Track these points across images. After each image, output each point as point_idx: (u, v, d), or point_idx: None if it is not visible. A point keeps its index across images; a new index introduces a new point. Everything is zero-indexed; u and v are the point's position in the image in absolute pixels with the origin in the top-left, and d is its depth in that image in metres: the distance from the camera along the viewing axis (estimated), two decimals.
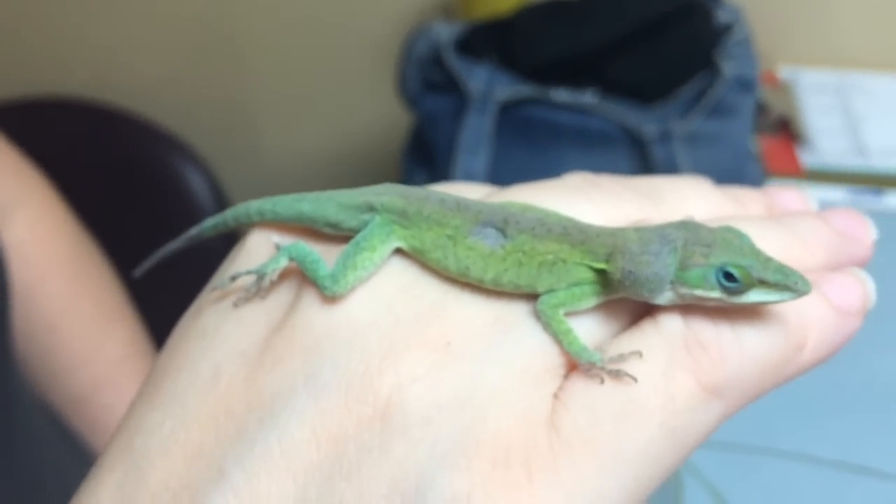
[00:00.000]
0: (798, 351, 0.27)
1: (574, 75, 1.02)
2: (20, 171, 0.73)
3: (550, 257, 0.28)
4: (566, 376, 0.26)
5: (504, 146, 1.02)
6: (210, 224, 0.33)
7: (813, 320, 0.28)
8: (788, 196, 0.34)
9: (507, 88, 1.01)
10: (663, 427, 0.25)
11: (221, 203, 1.34)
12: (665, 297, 0.27)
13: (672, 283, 0.27)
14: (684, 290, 0.27)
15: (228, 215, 0.32)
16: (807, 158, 1.14)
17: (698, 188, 0.33)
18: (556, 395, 0.26)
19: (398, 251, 0.29)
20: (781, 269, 0.27)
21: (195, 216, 1.35)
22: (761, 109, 1.19)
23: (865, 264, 0.32)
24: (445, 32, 1.07)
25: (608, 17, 1.04)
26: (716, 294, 0.26)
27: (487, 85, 1.01)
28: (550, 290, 0.28)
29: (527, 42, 1.03)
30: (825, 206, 0.33)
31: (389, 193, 0.30)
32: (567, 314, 0.27)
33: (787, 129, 1.19)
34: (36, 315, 0.70)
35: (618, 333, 0.28)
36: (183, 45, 1.49)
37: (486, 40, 1.05)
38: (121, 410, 0.76)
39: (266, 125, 1.54)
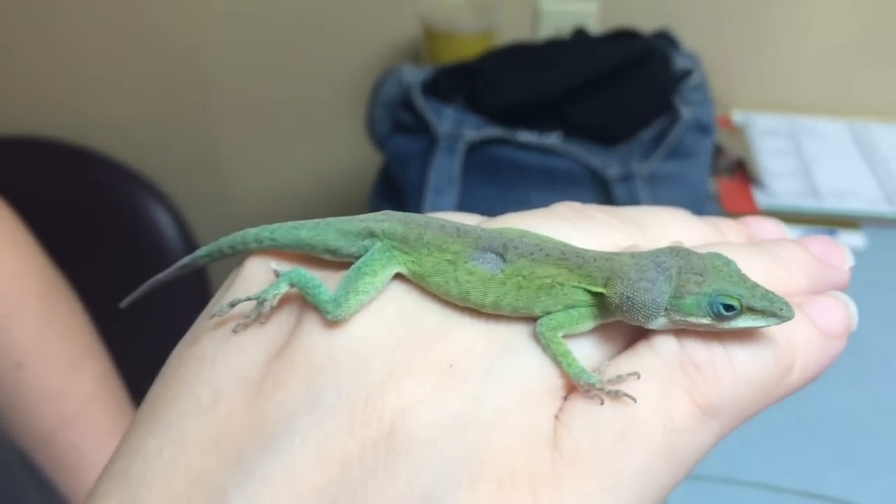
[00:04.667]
0: (787, 372, 0.28)
1: (538, 117, 1.05)
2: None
3: (549, 281, 0.29)
4: (566, 398, 0.27)
5: (472, 185, 1.04)
6: (204, 252, 0.33)
7: (800, 342, 0.29)
8: (764, 225, 0.36)
9: (475, 130, 1.04)
10: (663, 447, 0.25)
11: (189, 241, 1.35)
12: (658, 323, 0.28)
13: (666, 309, 0.28)
14: (677, 317, 0.28)
15: (224, 243, 0.32)
16: (762, 199, 1.18)
17: (679, 216, 0.34)
18: (557, 417, 0.26)
19: (398, 276, 0.30)
20: (767, 295, 0.28)
21: (163, 254, 1.35)
22: (718, 152, 1.23)
23: (844, 289, 0.33)
24: (413, 75, 1.10)
25: (570, 63, 1.08)
26: (707, 320, 0.28)
27: (455, 126, 1.04)
28: (548, 313, 0.29)
29: (492, 85, 1.07)
30: None
31: (390, 220, 0.31)
32: (565, 337, 0.28)
33: (742, 171, 1.24)
34: (3, 351, 0.70)
35: (614, 356, 0.29)
36: (153, 86, 1.50)
37: (453, 83, 1.08)
38: (88, 448, 0.75)
39: (234, 165, 1.55)
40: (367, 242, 0.30)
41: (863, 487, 0.75)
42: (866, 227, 1.13)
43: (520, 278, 0.29)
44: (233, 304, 0.29)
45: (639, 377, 0.27)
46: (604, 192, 1.06)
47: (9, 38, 1.47)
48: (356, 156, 1.33)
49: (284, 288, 0.29)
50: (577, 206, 0.34)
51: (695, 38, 1.20)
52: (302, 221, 0.31)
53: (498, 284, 0.29)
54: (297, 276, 0.29)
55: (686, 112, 1.05)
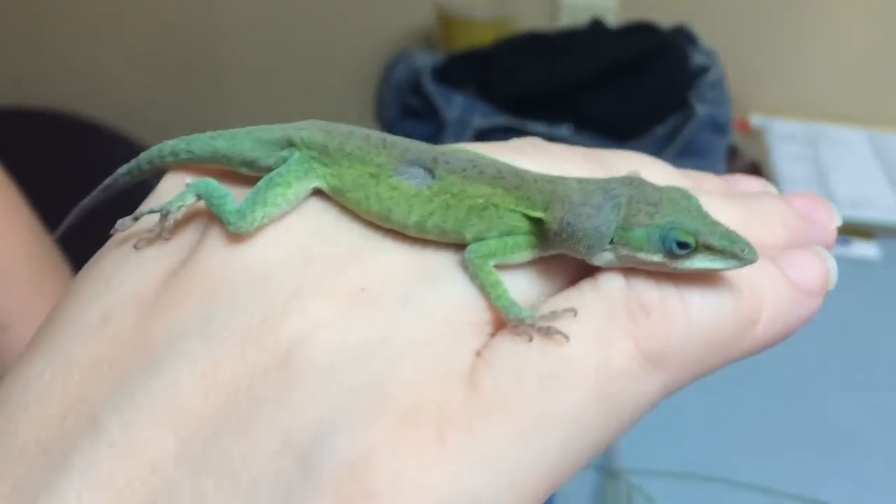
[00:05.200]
0: (750, 325, 0.26)
1: (549, 108, 1.04)
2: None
3: (481, 201, 0.26)
4: (493, 335, 0.24)
5: None
6: (123, 170, 0.30)
7: (767, 293, 0.26)
8: (749, 182, 0.33)
9: (484, 118, 1.02)
10: (596, 391, 0.23)
11: None
12: (604, 258, 0.25)
13: (613, 242, 0.25)
14: (625, 252, 0.25)
15: (142, 158, 0.29)
16: None
17: (652, 161, 0.31)
18: (478, 353, 0.23)
19: (320, 193, 0.27)
20: (728, 234, 0.25)
21: None
22: (733, 154, 1.21)
23: (829, 249, 0.30)
24: (424, 60, 1.08)
25: (585, 54, 1.06)
26: (658, 258, 0.25)
27: (464, 113, 1.02)
28: (480, 239, 0.26)
29: (504, 74, 1.05)
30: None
31: (311, 128, 0.28)
32: (498, 267, 0.25)
33: (757, 175, 1.21)
34: None
35: (553, 294, 0.26)
36: (167, 65, 1.49)
37: (465, 70, 1.06)
38: None
39: None
40: (285, 153, 0.27)
41: (864, 499, 0.73)
42: (881, 238, 1.10)
43: (448, 196, 0.26)
44: (136, 218, 0.26)
45: (575, 314, 0.24)
46: None
47: (32, 13, 1.47)
48: None
49: (190, 199, 0.26)
50: (538, 140, 0.31)
51: (715, 37, 1.17)
52: (221, 131, 0.29)
53: (423, 202, 0.26)
54: (204, 187, 0.26)
55: (701, 109, 1.03)
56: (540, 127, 1.04)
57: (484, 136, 1.02)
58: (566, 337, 0.23)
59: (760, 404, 0.82)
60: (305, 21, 1.40)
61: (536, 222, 0.26)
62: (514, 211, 0.26)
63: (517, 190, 0.26)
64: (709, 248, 0.25)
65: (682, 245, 0.25)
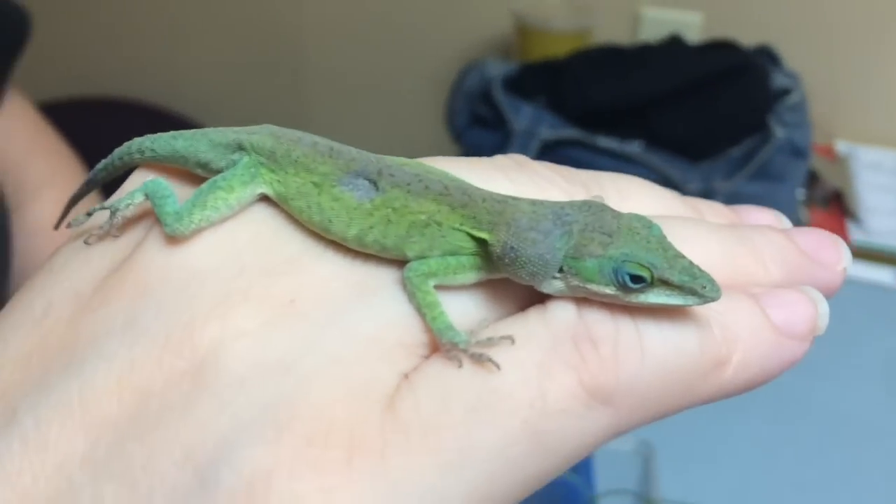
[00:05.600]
0: (717, 367, 0.24)
1: (621, 123, 1.02)
2: (55, 153, 0.74)
3: (423, 217, 0.25)
4: (427, 357, 0.23)
5: None
6: (101, 166, 0.30)
7: (742, 335, 0.24)
8: (758, 213, 0.30)
9: (552, 129, 1.01)
10: (527, 427, 0.21)
11: None
12: (553, 286, 0.24)
13: (563, 271, 0.24)
14: (575, 282, 0.23)
15: (115, 155, 0.29)
16: (856, 235, 1.11)
17: (644, 186, 0.29)
18: (406, 376, 0.22)
19: (267, 199, 0.26)
20: (689, 269, 0.23)
21: None
22: (814, 180, 1.16)
23: (832, 292, 0.28)
24: (497, 69, 1.08)
25: (661, 70, 1.03)
26: (610, 290, 0.23)
27: (532, 123, 1.01)
28: (422, 257, 0.25)
29: (577, 86, 1.03)
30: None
31: (262, 133, 0.27)
32: (439, 287, 0.24)
33: (838, 204, 1.16)
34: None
35: (500, 319, 0.24)
36: (249, 61, 1.53)
37: (537, 81, 1.05)
38: None
39: None
40: (236, 157, 0.27)
41: None
42: None
43: (390, 211, 0.25)
44: (89, 214, 0.26)
45: (513, 342, 0.22)
46: None
47: (128, 9, 1.52)
48: (436, 145, 1.31)
49: (139, 198, 0.26)
50: (521, 158, 0.29)
51: (801, 60, 1.13)
52: (184, 131, 0.28)
53: (364, 216, 0.25)
54: (152, 186, 0.26)
55: (780, 132, 1.00)
56: (610, 142, 1.02)
57: (550, 147, 1.00)
58: (497, 366, 0.22)
59: (808, 440, 0.78)
60: (386, 26, 1.42)
61: (482, 243, 0.25)
62: (459, 230, 0.25)
63: (463, 208, 0.25)
64: (666, 283, 0.23)
65: (636, 279, 0.23)
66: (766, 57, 1.08)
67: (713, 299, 0.23)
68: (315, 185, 0.25)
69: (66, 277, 0.24)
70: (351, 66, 1.47)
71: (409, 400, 0.21)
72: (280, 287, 0.23)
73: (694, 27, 1.26)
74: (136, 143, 0.29)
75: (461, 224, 0.25)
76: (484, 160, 0.28)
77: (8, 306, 0.24)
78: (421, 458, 0.20)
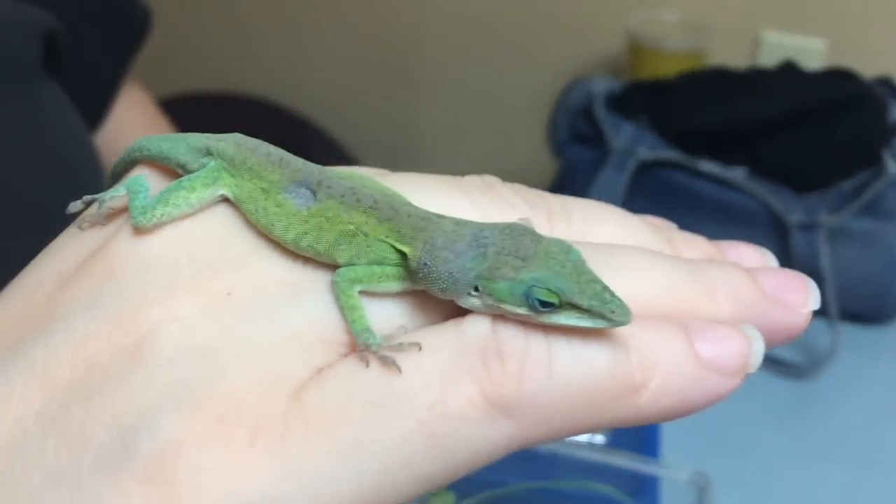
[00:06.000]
0: (631, 391, 0.24)
1: (723, 148, 0.99)
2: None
3: (352, 227, 0.27)
4: (346, 356, 0.25)
5: (637, 206, 0.99)
6: (117, 161, 0.33)
7: (662, 363, 0.24)
8: (742, 250, 0.31)
9: (651, 150, 0.99)
10: (423, 428, 0.23)
11: None
12: (470, 303, 0.25)
13: (478, 290, 0.25)
14: (490, 301, 0.25)
15: (125, 152, 0.32)
16: None
17: (615, 215, 0.30)
18: (320, 370, 0.24)
19: (230, 201, 0.28)
20: (600, 295, 0.24)
21: None
22: None
23: (793, 334, 0.28)
24: (601, 86, 1.07)
25: (773, 95, 1.00)
26: (522, 311, 0.24)
27: (631, 142, 1.00)
28: (350, 264, 0.26)
29: (682, 107, 1.02)
30: None
31: (227, 140, 0.30)
32: (366, 293, 0.26)
33: None
34: None
35: (421, 327, 0.26)
36: (368, 64, 1.57)
37: (641, 100, 1.04)
38: None
39: (428, 150, 1.60)
40: (205, 160, 0.29)
41: None
42: None
43: (323, 219, 0.27)
44: (85, 203, 0.29)
45: (420, 349, 0.24)
46: (781, 238, 0.98)
47: (251, 8, 1.60)
48: (537, 159, 1.31)
49: (121, 191, 0.29)
50: (491, 180, 0.30)
51: None
52: (175, 134, 0.31)
53: (300, 222, 0.27)
54: (132, 181, 0.29)
55: (894, 168, 0.95)
56: (712, 166, 1.00)
57: (648, 168, 0.99)
58: (399, 369, 0.23)
59: (872, 484, 0.74)
60: (500, 38, 1.43)
61: (405, 255, 0.26)
62: (384, 241, 0.27)
63: (389, 221, 0.27)
64: (575, 307, 0.24)
65: (544, 303, 0.24)
66: (885, 89, 1.03)
67: (622, 323, 0.24)
68: (263, 190, 0.28)
69: (56, 258, 0.27)
70: (462, 77, 1.50)
71: (316, 391, 0.23)
72: (221, 281, 0.25)
73: (816, 54, 1.21)
74: (138, 142, 0.32)
75: (386, 236, 0.27)
76: (450, 179, 0.30)
77: (12, 281, 0.28)
78: (318, 445, 0.22)
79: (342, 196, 0.27)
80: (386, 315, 0.26)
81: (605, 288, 0.25)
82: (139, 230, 0.27)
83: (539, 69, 1.40)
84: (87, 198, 0.29)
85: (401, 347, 0.24)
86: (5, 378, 0.24)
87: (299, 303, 0.25)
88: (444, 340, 0.24)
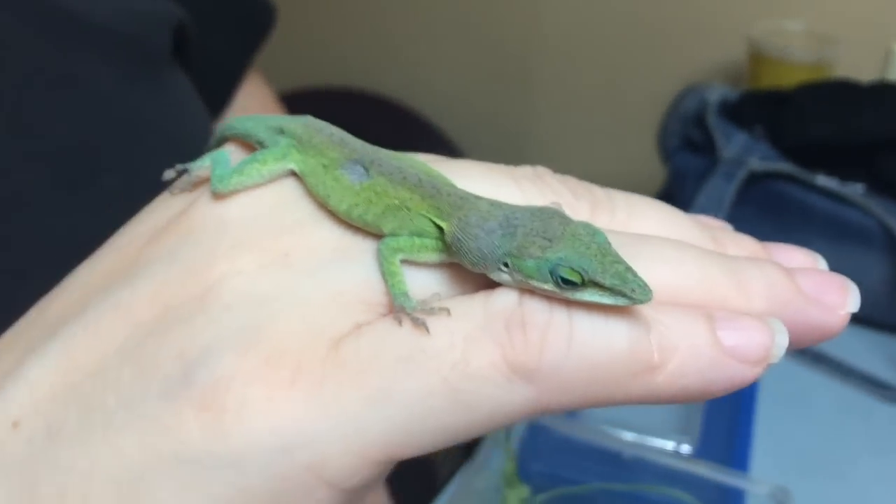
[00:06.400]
0: (648, 370, 0.26)
1: (839, 162, 0.96)
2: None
3: (397, 202, 0.29)
4: (383, 316, 0.27)
5: (745, 217, 0.98)
6: (213, 140, 0.37)
7: (683, 346, 0.26)
8: (791, 252, 0.31)
9: (762, 161, 0.97)
10: (446, 384, 0.25)
11: None
12: (500, 277, 0.27)
13: (508, 266, 0.27)
14: (519, 277, 0.27)
15: (217, 131, 0.36)
16: None
17: (661, 210, 0.31)
18: (359, 326, 0.26)
19: (296, 175, 0.32)
20: (622, 274, 0.26)
21: None
22: None
23: (830, 334, 0.29)
24: (716, 94, 1.05)
25: None
26: (549, 287, 0.26)
27: (742, 152, 0.98)
28: (394, 235, 0.29)
29: (799, 118, 0.99)
30: None
31: (298, 122, 0.33)
32: (407, 262, 0.29)
33: None
34: None
35: (455, 296, 0.28)
36: (485, 68, 1.60)
37: (756, 110, 1.02)
38: None
39: (537, 154, 1.60)
40: (279, 138, 0.33)
41: None
42: None
43: (372, 193, 0.30)
44: (179, 172, 0.33)
45: (449, 314, 0.26)
46: None
47: (379, 7, 1.65)
48: (648, 164, 1.30)
49: (207, 162, 0.32)
50: (542, 170, 0.32)
51: None
52: (255, 115, 0.34)
53: (353, 195, 0.30)
54: (216, 154, 0.32)
55: None
56: (828, 181, 0.96)
57: (758, 179, 0.97)
58: (428, 329, 0.26)
59: None
60: (618, 45, 1.43)
61: (442, 230, 0.29)
62: (424, 216, 0.29)
63: (430, 199, 0.29)
64: (598, 285, 0.26)
65: (567, 281, 0.26)
66: None
67: (641, 301, 0.25)
68: (324, 166, 0.31)
69: (149, 218, 0.31)
70: (578, 81, 1.50)
71: (353, 344, 0.26)
72: (281, 242, 0.29)
73: None
74: (229, 122, 0.36)
75: (427, 212, 0.29)
76: (503, 168, 0.32)
77: (108, 239, 0.32)
78: (351, 390, 0.25)
79: (391, 174, 0.30)
80: (424, 283, 0.29)
81: (628, 269, 0.26)
82: (217, 195, 0.30)
83: (656, 76, 1.39)
84: (179, 167, 0.33)
85: (432, 311, 0.26)
86: (96, 315, 0.27)
87: (346, 266, 0.28)
88: (473, 308, 0.26)
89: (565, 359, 0.25)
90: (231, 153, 0.33)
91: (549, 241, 0.27)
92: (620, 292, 0.26)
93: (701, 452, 0.79)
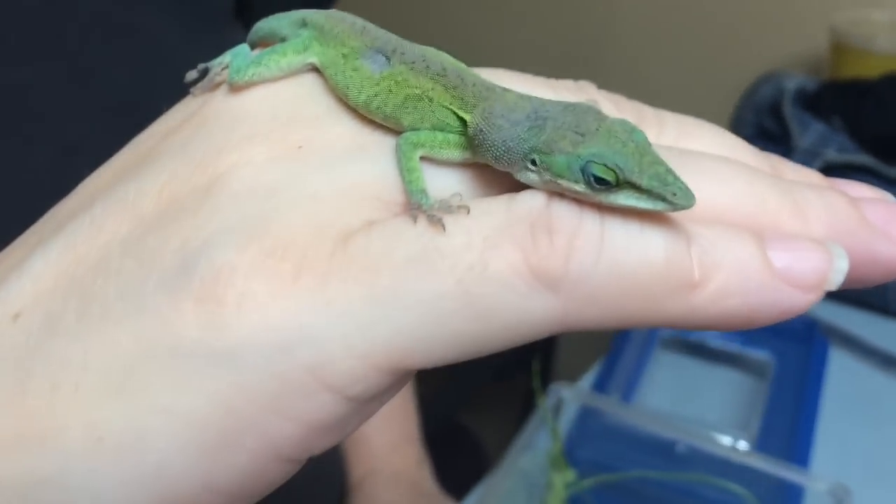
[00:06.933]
0: (687, 287, 0.23)
1: None
2: None
3: (418, 91, 0.28)
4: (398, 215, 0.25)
5: None
6: (246, 39, 0.35)
7: (726, 263, 0.23)
8: (858, 188, 0.28)
9: (839, 152, 0.93)
10: (460, 287, 0.23)
11: None
12: (528, 178, 0.25)
13: (537, 164, 0.25)
14: (548, 176, 0.24)
15: (248, 36, 0.35)
16: None
17: (717, 132, 0.28)
18: (371, 223, 0.25)
19: (317, 69, 0.30)
20: (662, 176, 0.23)
21: None
22: None
23: (894, 273, 0.26)
24: (794, 83, 1.01)
25: None
26: (580, 187, 0.24)
27: (818, 142, 0.94)
28: (415, 129, 0.27)
29: (882, 109, 0.94)
30: None
31: (320, 12, 0.31)
32: (428, 159, 0.26)
33: None
34: None
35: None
36: (555, 57, 1.57)
37: (835, 100, 0.98)
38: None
39: None
40: (301, 30, 0.31)
41: None
42: None
43: (392, 83, 0.28)
44: (199, 73, 0.31)
45: (468, 212, 0.24)
46: None
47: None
48: None
49: (227, 59, 0.31)
50: (584, 83, 0.30)
51: None
52: (280, 13, 0.33)
53: (372, 84, 0.28)
54: (236, 49, 0.31)
55: None
56: None
57: (832, 171, 0.93)
58: (443, 227, 0.23)
59: None
60: (696, 32, 1.39)
61: (466, 124, 0.27)
62: (447, 108, 0.27)
63: (454, 89, 0.27)
64: (634, 187, 0.23)
65: (600, 180, 0.23)
66: None
67: (683, 207, 0.23)
68: (344, 56, 0.29)
69: (169, 117, 0.30)
70: (650, 69, 1.46)
71: (363, 240, 0.24)
72: (296, 135, 0.27)
73: None
74: (257, 25, 0.35)
75: (450, 103, 0.27)
76: (544, 80, 0.30)
77: (132, 139, 0.31)
78: (357, 288, 0.23)
79: (413, 62, 0.28)
80: (445, 183, 0.27)
81: (669, 170, 0.24)
82: (233, 87, 0.29)
83: (733, 66, 1.34)
84: (201, 66, 0.32)
85: (450, 210, 0.24)
86: (102, 208, 0.26)
87: (362, 161, 0.26)
88: (496, 209, 0.24)
89: (594, 268, 0.23)
90: (253, 50, 0.32)
91: (582, 135, 0.25)
92: (659, 195, 0.23)
93: (759, 449, 0.77)
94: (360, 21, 0.31)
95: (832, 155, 0.93)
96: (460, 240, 0.23)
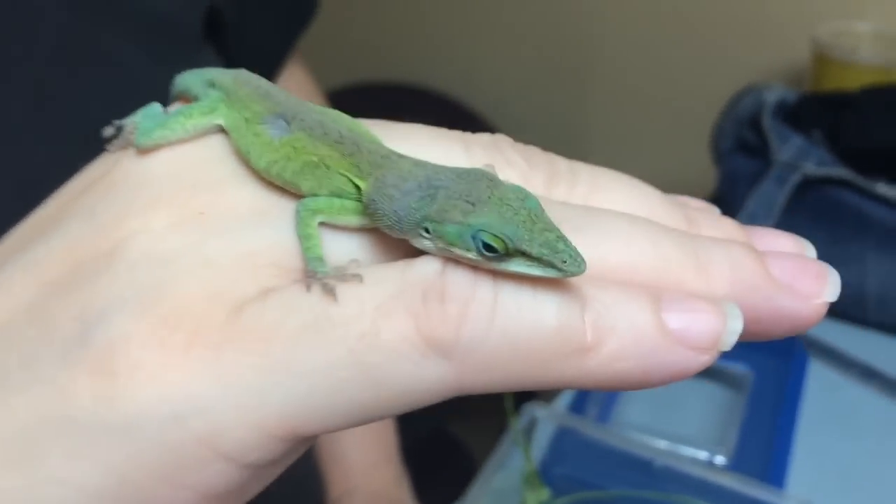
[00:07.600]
0: (580, 351, 0.23)
1: None
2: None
3: (315, 158, 0.28)
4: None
5: (796, 224, 0.94)
6: (170, 100, 0.35)
7: (621, 327, 0.23)
8: (775, 238, 0.28)
9: (818, 165, 0.93)
10: (352, 356, 0.23)
11: None
12: (423, 244, 0.25)
13: (429, 232, 0.25)
14: (441, 244, 0.25)
15: (171, 91, 0.34)
16: None
17: (630, 184, 0.28)
18: (267, 291, 0.25)
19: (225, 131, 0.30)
20: (551, 243, 0.23)
21: None
22: None
23: (804, 324, 0.26)
24: (774, 95, 1.02)
25: None
26: (472, 255, 0.24)
27: (797, 155, 0.94)
28: (314, 195, 0.27)
29: (861, 122, 0.95)
30: None
31: (229, 74, 0.31)
32: (327, 225, 0.27)
33: None
34: None
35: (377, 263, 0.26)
36: (541, 65, 1.57)
37: (815, 113, 0.98)
38: None
39: (591, 152, 1.58)
40: (210, 91, 0.31)
41: None
42: None
43: (291, 149, 0.28)
44: (115, 128, 0.31)
45: (361, 280, 0.24)
46: None
47: (425, 5, 1.65)
48: (707, 167, 1.27)
49: (139, 118, 0.31)
50: (500, 137, 0.29)
51: None
52: (196, 70, 0.33)
53: (272, 150, 0.28)
54: (147, 109, 0.31)
55: None
56: (888, 189, 0.92)
57: (812, 184, 0.93)
58: (335, 297, 0.24)
59: None
60: (678, 43, 1.39)
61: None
62: (343, 175, 0.27)
63: (350, 156, 0.27)
64: (524, 255, 0.24)
65: (491, 248, 0.24)
66: None
67: (573, 273, 0.23)
68: (246, 119, 0.29)
69: (90, 171, 0.30)
70: (635, 80, 1.47)
71: (257, 309, 0.24)
72: (198, 200, 0.27)
73: None
74: (176, 79, 0.34)
75: (346, 170, 0.27)
76: (457, 134, 0.29)
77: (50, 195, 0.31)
78: (249, 358, 0.23)
79: (311, 129, 0.28)
80: (345, 249, 0.27)
81: (560, 237, 0.24)
82: (140, 150, 0.29)
83: (715, 76, 1.35)
84: (117, 123, 0.32)
85: (344, 277, 0.24)
86: (11, 272, 0.26)
87: (262, 227, 0.26)
88: (389, 276, 0.24)
89: (486, 334, 0.23)
90: (164, 109, 0.32)
91: (472, 204, 0.25)
92: (550, 263, 0.23)
93: (736, 465, 0.77)
94: (265, 84, 0.31)
95: (811, 168, 0.93)
96: (352, 309, 0.23)
